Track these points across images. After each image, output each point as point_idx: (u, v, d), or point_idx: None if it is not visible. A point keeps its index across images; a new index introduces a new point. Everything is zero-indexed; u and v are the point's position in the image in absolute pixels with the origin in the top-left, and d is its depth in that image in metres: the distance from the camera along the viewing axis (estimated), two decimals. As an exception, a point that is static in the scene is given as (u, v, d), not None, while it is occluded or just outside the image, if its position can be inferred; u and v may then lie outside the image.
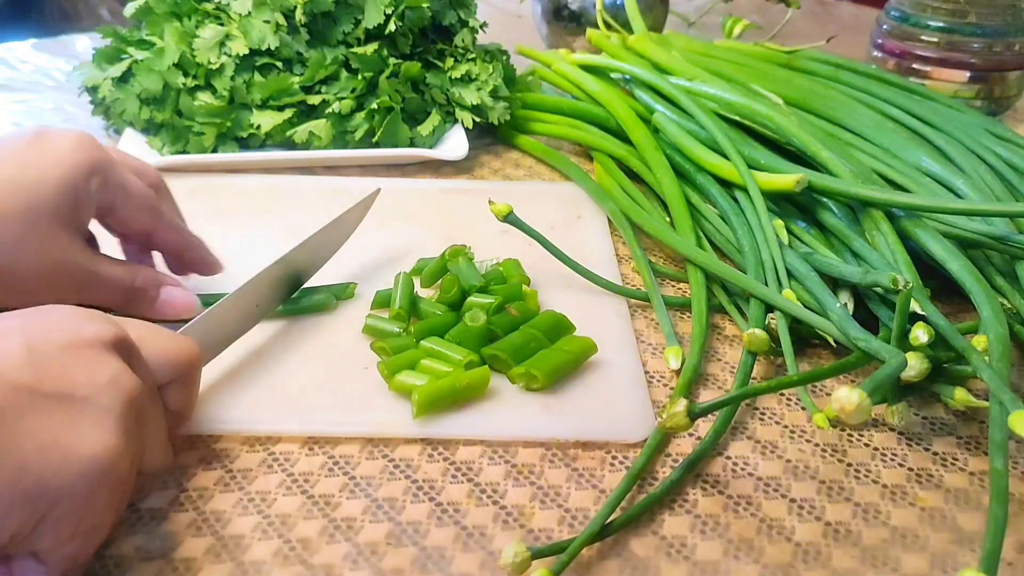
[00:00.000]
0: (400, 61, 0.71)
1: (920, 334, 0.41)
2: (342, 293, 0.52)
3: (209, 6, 0.72)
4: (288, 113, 0.70)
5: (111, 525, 0.33)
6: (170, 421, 0.38)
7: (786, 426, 0.44)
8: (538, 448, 0.42)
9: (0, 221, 0.40)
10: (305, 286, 0.51)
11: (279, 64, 0.71)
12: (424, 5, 0.72)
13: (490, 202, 0.52)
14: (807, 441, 0.43)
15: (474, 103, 0.73)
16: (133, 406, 0.33)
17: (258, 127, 0.69)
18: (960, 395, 0.43)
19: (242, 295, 0.45)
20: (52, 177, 0.42)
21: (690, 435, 0.43)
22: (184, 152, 0.69)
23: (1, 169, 0.41)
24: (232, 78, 0.69)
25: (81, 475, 0.30)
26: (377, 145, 0.70)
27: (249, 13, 0.71)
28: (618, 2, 0.89)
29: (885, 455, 0.42)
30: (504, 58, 0.80)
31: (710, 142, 0.62)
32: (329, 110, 0.69)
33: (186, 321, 0.42)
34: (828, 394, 0.47)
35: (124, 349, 0.34)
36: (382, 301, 0.51)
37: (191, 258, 0.50)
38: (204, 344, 0.41)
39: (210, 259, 0.50)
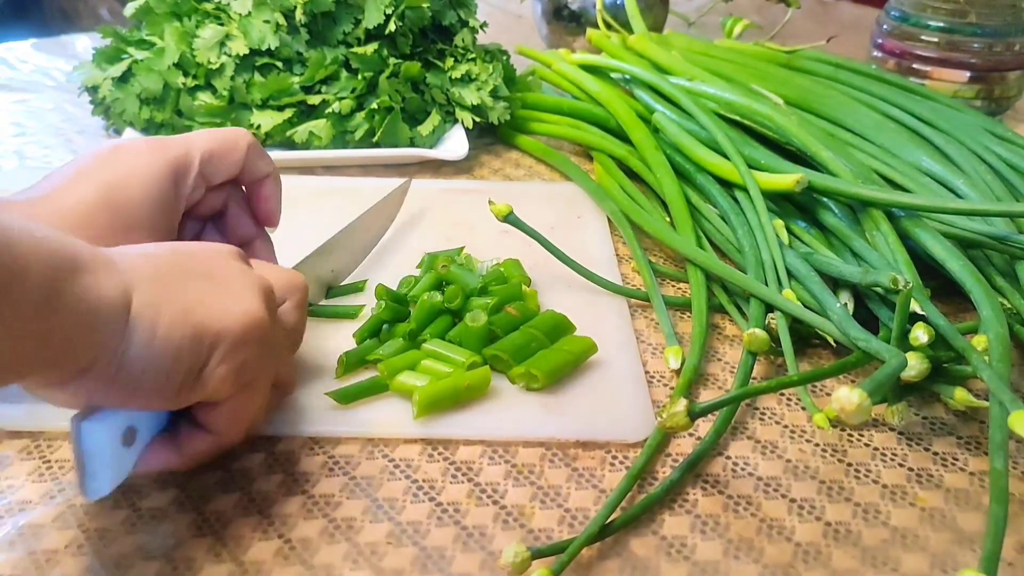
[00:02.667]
0: (400, 61, 0.71)
1: (920, 334, 0.41)
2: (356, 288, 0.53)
3: (209, 6, 0.72)
4: (288, 113, 0.70)
5: (263, 401, 0.38)
6: (288, 339, 0.42)
7: (786, 426, 0.44)
8: (538, 448, 0.42)
9: (98, 237, 0.40)
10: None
11: (279, 64, 0.71)
12: (424, 5, 0.72)
13: (490, 202, 0.52)
14: (807, 441, 0.43)
15: (474, 103, 0.73)
16: (269, 296, 0.38)
17: (258, 127, 0.69)
18: (960, 395, 0.43)
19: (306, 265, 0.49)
20: (136, 194, 0.42)
21: (690, 435, 0.43)
22: (184, 152, 0.69)
23: (86, 191, 0.41)
24: (232, 78, 0.69)
25: (235, 321, 0.35)
26: (377, 145, 0.70)
27: (249, 13, 0.71)
28: (618, 2, 0.89)
29: (885, 455, 0.42)
30: (504, 58, 0.80)
31: (710, 142, 0.62)
32: (329, 110, 0.69)
33: None
34: (828, 394, 0.47)
35: (246, 260, 0.39)
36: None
37: (268, 192, 0.49)
38: None
39: (277, 206, 0.50)
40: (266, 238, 0.50)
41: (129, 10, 0.73)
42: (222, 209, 0.49)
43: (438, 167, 0.72)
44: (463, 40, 0.76)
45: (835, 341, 0.46)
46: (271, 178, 0.49)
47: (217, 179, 0.46)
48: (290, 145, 0.70)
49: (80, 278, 0.30)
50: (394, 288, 0.52)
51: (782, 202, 0.57)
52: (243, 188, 0.49)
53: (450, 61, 0.74)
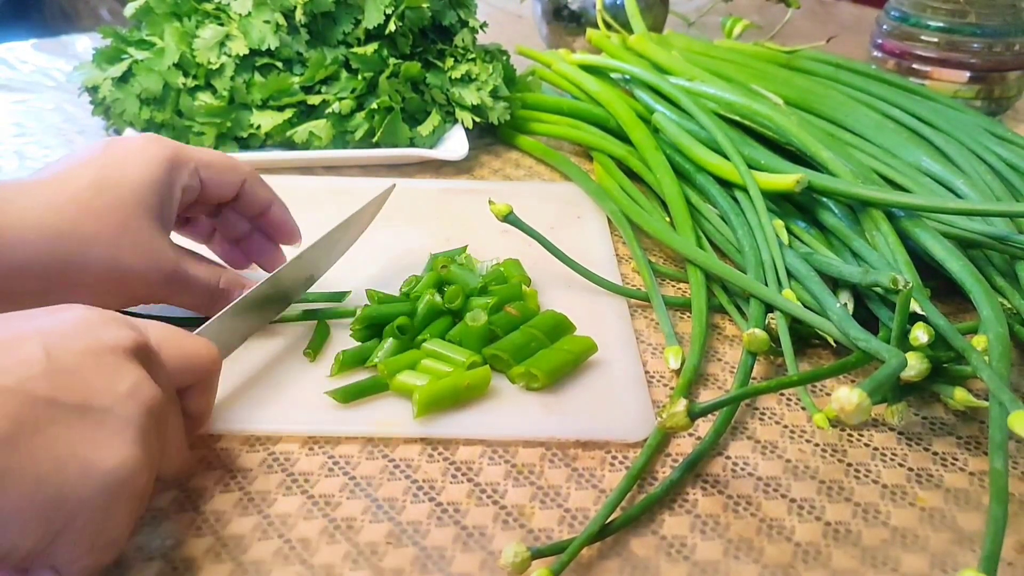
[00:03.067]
0: (400, 61, 0.71)
1: (920, 334, 0.41)
2: (338, 299, 0.52)
3: (209, 6, 0.72)
4: (288, 113, 0.70)
5: (128, 537, 0.32)
6: (188, 426, 0.38)
7: (786, 426, 0.44)
8: (538, 448, 0.42)
9: (97, 218, 0.41)
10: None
11: (279, 64, 0.71)
12: (424, 5, 0.72)
13: (490, 202, 0.52)
14: (807, 441, 0.43)
15: (474, 103, 0.73)
16: (153, 415, 0.32)
17: (258, 127, 0.69)
18: (960, 395, 0.43)
19: (258, 294, 0.45)
20: (132, 175, 0.42)
21: (690, 435, 0.43)
22: (184, 152, 0.69)
23: (82, 174, 0.42)
24: (232, 78, 0.69)
25: (100, 489, 0.30)
26: (377, 145, 0.70)
27: (249, 13, 0.71)
28: (618, 2, 0.89)
29: (885, 455, 0.42)
30: (504, 58, 0.80)
31: (710, 142, 0.62)
32: (329, 110, 0.69)
33: (199, 321, 0.42)
34: (828, 394, 0.47)
35: (144, 355, 0.34)
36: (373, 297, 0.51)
37: (278, 218, 0.50)
38: (219, 344, 0.41)
39: (292, 226, 0.50)
40: (280, 201, 0.49)
41: (129, 10, 0.73)
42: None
43: (438, 167, 0.72)
44: (463, 40, 0.76)
45: (835, 341, 0.46)
46: (275, 204, 0.49)
47: (213, 189, 0.46)
48: (290, 145, 0.70)
49: None
50: (395, 288, 0.52)
51: (782, 202, 0.57)
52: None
53: (450, 61, 0.74)
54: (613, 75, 0.76)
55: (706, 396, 0.46)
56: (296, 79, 0.70)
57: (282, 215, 0.50)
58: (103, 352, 0.32)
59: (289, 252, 0.52)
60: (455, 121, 0.74)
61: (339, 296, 0.51)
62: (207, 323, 0.42)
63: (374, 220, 0.54)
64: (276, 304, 0.48)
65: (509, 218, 0.53)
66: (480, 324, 0.46)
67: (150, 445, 0.32)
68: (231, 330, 0.44)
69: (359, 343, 0.48)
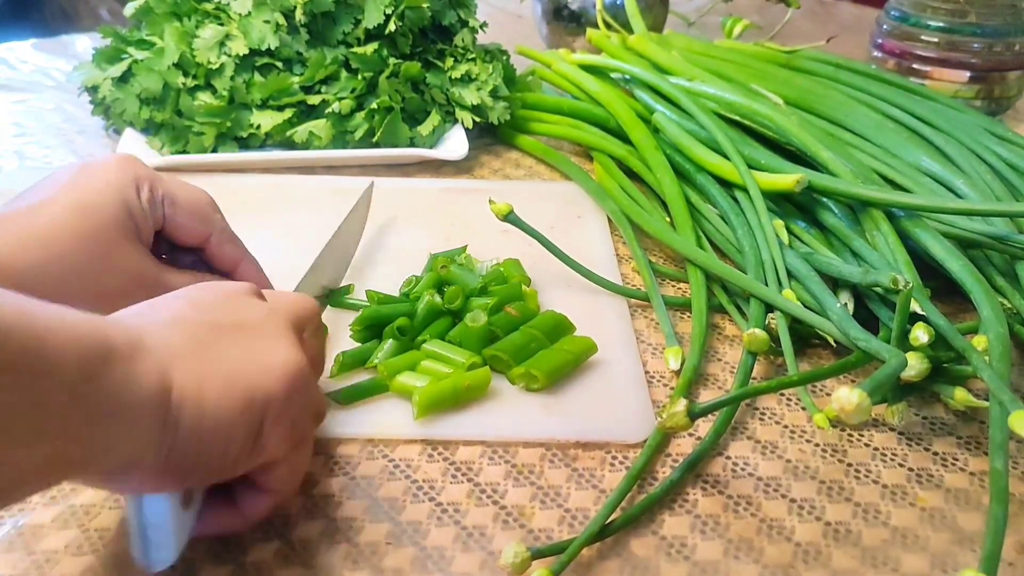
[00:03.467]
0: (400, 61, 0.71)
1: (920, 334, 0.41)
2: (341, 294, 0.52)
3: (209, 6, 0.72)
4: (288, 113, 0.70)
5: (311, 446, 0.38)
6: (312, 367, 0.40)
7: (786, 426, 0.44)
8: (538, 448, 0.42)
9: (80, 241, 0.42)
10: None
11: (279, 64, 0.71)
12: (424, 5, 0.72)
13: (490, 202, 0.52)
14: (807, 441, 0.43)
15: (474, 103, 0.73)
16: (294, 329, 0.37)
17: (258, 127, 0.69)
18: (960, 395, 0.43)
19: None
20: (108, 197, 0.43)
21: (690, 435, 0.43)
22: (184, 152, 0.69)
23: (62, 197, 0.42)
24: (232, 78, 0.69)
25: (280, 378, 0.33)
26: (377, 145, 0.70)
27: (249, 13, 0.71)
28: (618, 2, 0.89)
29: (885, 455, 0.42)
30: (504, 58, 0.80)
31: (710, 142, 0.62)
32: (329, 110, 0.69)
33: None
34: (828, 394, 0.47)
35: (261, 295, 0.38)
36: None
37: (245, 274, 0.49)
38: None
39: (263, 279, 0.49)
40: (251, 259, 0.49)
41: (129, 10, 0.73)
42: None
43: (438, 167, 0.72)
44: (463, 40, 0.76)
45: (835, 341, 0.46)
46: (244, 263, 0.48)
47: (175, 230, 0.46)
48: (290, 145, 0.70)
49: (113, 369, 0.28)
50: (396, 288, 0.52)
51: (782, 202, 0.57)
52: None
53: (450, 61, 0.74)
54: (613, 75, 0.76)
55: (706, 396, 0.46)
56: (296, 79, 0.70)
57: (254, 275, 0.49)
58: (233, 294, 0.37)
59: (297, 256, 0.51)
60: (455, 121, 0.74)
61: (347, 290, 0.52)
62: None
63: (376, 223, 0.55)
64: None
65: (509, 218, 0.53)
66: (480, 325, 0.46)
67: (302, 349, 0.36)
68: None
69: (359, 344, 0.48)
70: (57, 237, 0.41)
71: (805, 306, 0.48)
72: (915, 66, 0.83)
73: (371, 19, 0.71)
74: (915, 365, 0.40)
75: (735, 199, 0.58)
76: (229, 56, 0.70)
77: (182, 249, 0.47)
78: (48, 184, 0.43)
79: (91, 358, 0.27)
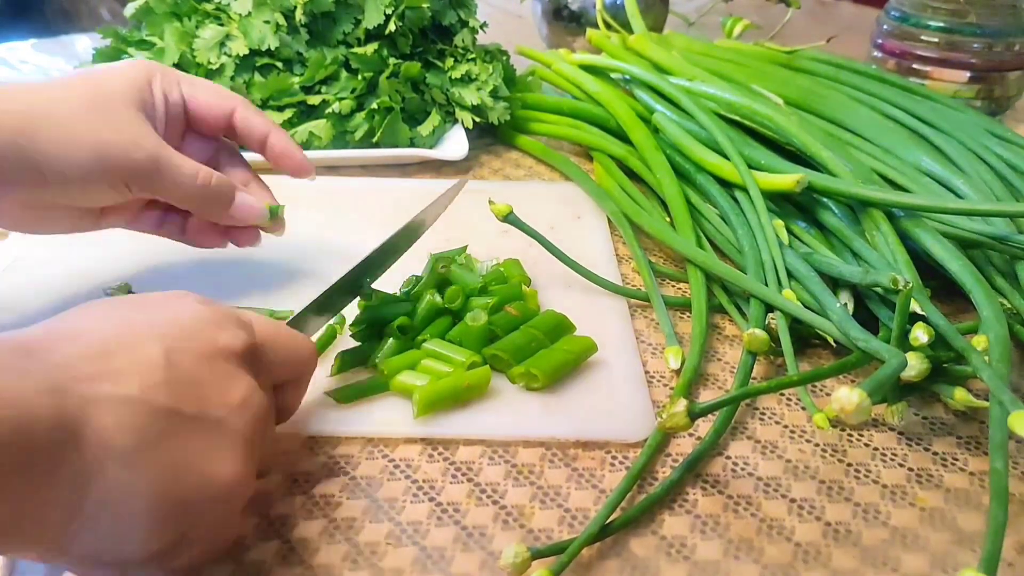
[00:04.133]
0: (400, 61, 0.71)
1: (920, 334, 0.41)
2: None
3: (209, 6, 0.72)
4: (288, 113, 0.70)
5: (231, 540, 0.35)
6: (277, 416, 0.39)
7: (786, 426, 0.44)
8: (538, 448, 0.42)
9: (77, 98, 0.42)
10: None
11: (279, 64, 0.71)
12: (424, 5, 0.72)
13: (490, 202, 0.52)
14: (807, 441, 0.43)
15: (474, 103, 0.73)
16: (260, 424, 0.33)
17: (258, 127, 0.69)
18: (960, 395, 0.43)
19: (339, 287, 0.45)
20: (116, 74, 0.44)
21: (690, 435, 0.43)
22: (184, 152, 0.69)
23: (78, 73, 0.44)
24: (232, 78, 0.69)
25: (218, 499, 0.31)
26: (377, 145, 0.70)
27: (249, 13, 0.71)
28: (618, 2, 0.89)
29: (885, 455, 0.42)
30: (504, 58, 0.80)
31: (710, 142, 0.62)
32: (329, 110, 0.69)
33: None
34: (828, 394, 0.47)
35: (252, 356, 0.34)
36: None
37: (279, 147, 0.49)
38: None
39: (298, 154, 0.50)
40: (279, 128, 0.50)
41: (129, 10, 0.73)
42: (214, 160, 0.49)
43: (438, 167, 0.72)
44: (463, 40, 0.76)
45: (835, 341, 0.46)
46: (274, 132, 0.49)
47: (197, 110, 0.47)
48: (290, 145, 0.70)
49: (37, 461, 0.26)
50: (397, 288, 0.52)
51: (782, 202, 0.57)
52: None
53: (450, 61, 0.74)
54: (613, 75, 0.76)
55: (706, 396, 0.46)
56: (296, 79, 0.70)
57: (284, 144, 0.49)
58: (217, 357, 0.32)
59: (297, 257, 0.51)
60: (455, 121, 0.74)
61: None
62: (296, 315, 0.43)
63: (375, 223, 0.54)
64: (348, 296, 0.47)
65: (509, 218, 0.53)
66: (480, 324, 0.46)
67: (255, 453, 0.33)
68: (315, 323, 0.45)
69: (359, 343, 0.48)
70: (57, 90, 0.42)
71: (805, 306, 0.48)
72: (915, 66, 0.83)
73: (371, 19, 0.71)
74: (915, 365, 0.40)
75: (735, 199, 0.58)
76: (229, 56, 0.70)
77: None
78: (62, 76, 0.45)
79: (12, 445, 0.25)
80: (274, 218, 0.50)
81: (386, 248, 0.48)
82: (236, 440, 0.32)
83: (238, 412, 0.32)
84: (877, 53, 0.87)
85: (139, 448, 0.28)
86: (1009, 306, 0.48)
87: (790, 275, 0.51)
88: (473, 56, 0.75)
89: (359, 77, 0.70)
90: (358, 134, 0.70)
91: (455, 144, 0.71)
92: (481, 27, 0.78)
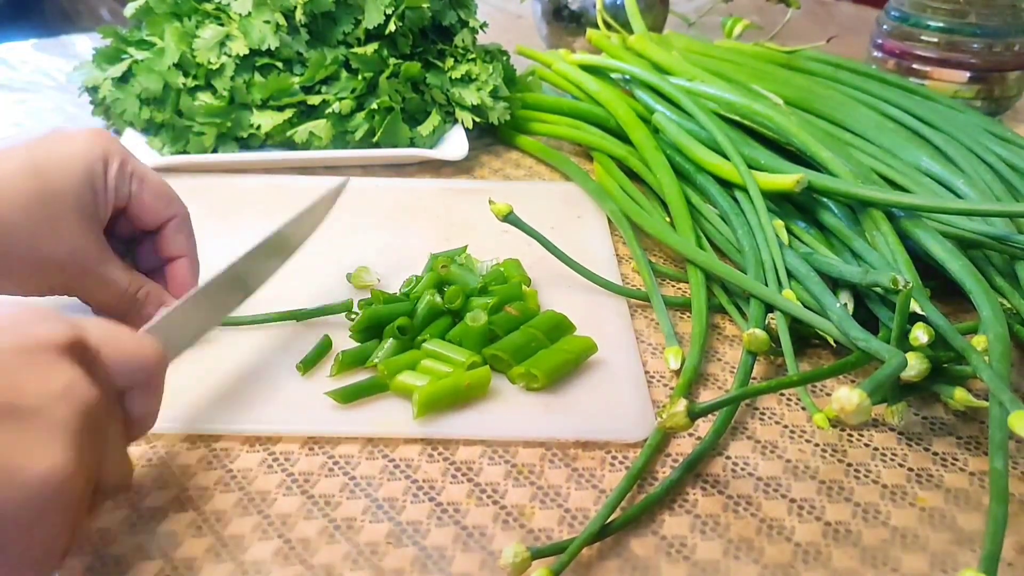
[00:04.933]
0: (400, 61, 0.71)
1: (920, 334, 0.41)
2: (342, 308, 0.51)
3: (209, 6, 0.72)
4: (288, 113, 0.70)
5: (64, 551, 0.30)
6: (130, 430, 0.35)
7: (786, 426, 0.44)
8: (538, 448, 0.42)
9: (27, 202, 0.40)
10: (323, 305, 0.50)
11: (279, 64, 0.71)
12: (424, 5, 0.72)
13: (490, 202, 0.52)
14: (807, 441, 0.43)
15: (474, 103, 0.73)
16: (89, 417, 0.30)
17: (258, 127, 0.69)
18: (960, 395, 0.43)
19: (205, 293, 0.42)
20: (73, 165, 0.42)
21: (690, 435, 0.43)
22: (184, 152, 0.69)
23: (24, 159, 0.41)
24: (232, 78, 0.69)
25: (29, 497, 0.27)
26: (377, 145, 0.70)
27: (249, 13, 0.71)
28: (618, 2, 0.89)
29: (885, 455, 0.42)
30: (504, 58, 0.80)
31: (710, 142, 0.62)
32: (329, 110, 0.69)
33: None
34: (828, 394, 0.47)
35: (81, 352, 0.31)
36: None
37: (181, 276, 0.48)
38: (167, 343, 0.38)
39: (193, 281, 0.48)
40: (195, 258, 0.48)
41: (129, 10, 0.73)
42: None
43: (438, 167, 0.72)
44: (463, 40, 0.76)
45: (835, 341, 0.46)
46: (188, 259, 0.48)
47: (140, 208, 0.45)
48: (290, 145, 0.70)
49: None
50: (397, 288, 0.52)
51: (782, 202, 0.57)
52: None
53: (450, 61, 0.74)
54: (613, 75, 0.76)
55: (706, 396, 0.46)
56: (296, 79, 0.70)
57: (186, 276, 0.47)
58: (35, 349, 0.29)
59: (300, 267, 0.50)
60: (455, 121, 0.74)
61: (347, 306, 0.51)
62: (154, 320, 0.39)
63: (376, 223, 0.54)
64: (230, 299, 0.45)
65: (509, 218, 0.53)
66: (480, 324, 0.46)
67: (84, 450, 0.29)
68: (181, 327, 0.41)
69: (359, 343, 0.48)
70: (3, 194, 0.40)
71: (805, 306, 0.48)
72: (915, 66, 0.83)
73: (371, 19, 0.71)
74: (915, 365, 0.40)
75: (735, 199, 0.58)
76: (229, 56, 0.70)
77: (125, 241, 0.47)
78: (14, 140, 0.42)
79: None
80: None
81: (246, 267, 0.45)
82: (55, 432, 0.28)
83: (58, 402, 0.29)
84: (877, 53, 0.87)
85: None
86: (1009, 306, 0.48)
87: (790, 275, 0.51)
88: (473, 56, 0.75)
89: (359, 77, 0.70)
90: (358, 134, 0.70)
91: (455, 144, 0.71)
92: (481, 27, 0.78)
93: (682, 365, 0.47)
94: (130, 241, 0.48)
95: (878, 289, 0.47)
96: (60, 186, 0.41)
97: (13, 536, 0.27)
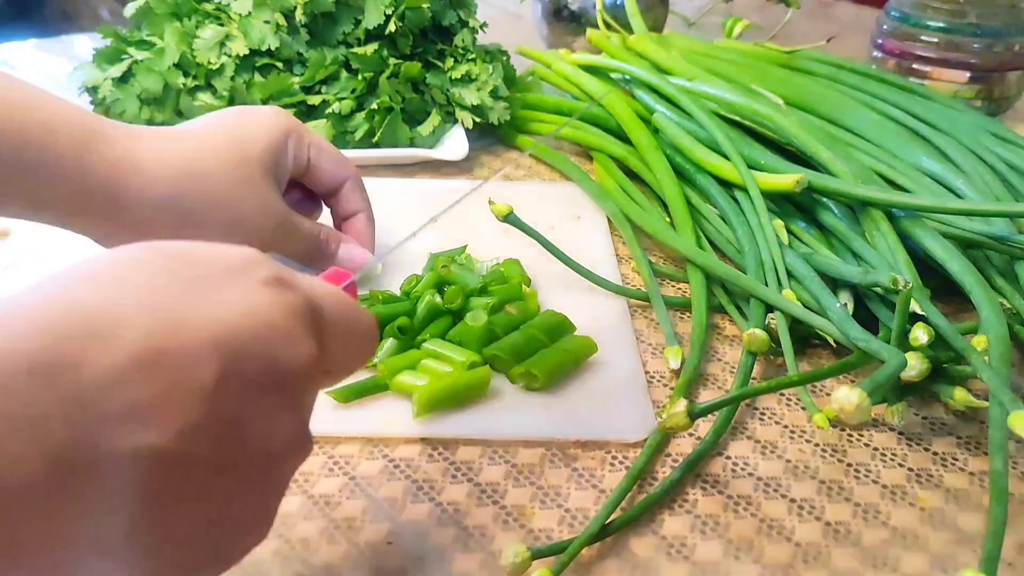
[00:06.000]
0: (400, 61, 0.71)
1: (920, 334, 0.41)
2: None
3: (209, 6, 0.72)
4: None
5: (275, 511, 0.28)
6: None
7: (786, 426, 0.44)
8: (538, 448, 0.42)
9: (227, 169, 0.46)
10: None
11: (279, 64, 0.71)
12: (424, 5, 0.72)
13: (490, 202, 0.52)
14: (807, 441, 0.43)
15: (474, 103, 0.73)
16: (298, 465, 0.28)
17: (258, 127, 0.69)
18: (960, 395, 0.43)
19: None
20: (259, 136, 0.48)
21: (690, 435, 0.43)
22: (184, 152, 0.69)
23: (217, 131, 0.47)
24: (232, 78, 0.69)
25: (244, 551, 0.26)
26: (377, 145, 0.70)
27: (249, 13, 0.71)
28: (618, 2, 0.89)
29: (885, 455, 0.42)
30: (504, 58, 0.80)
31: (710, 142, 0.62)
32: (329, 110, 0.69)
33: None
34: (828, 394, 0.47)
35: (315, 323, 0.27)
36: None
37: (360, 228, 0.54)
38: None
39: (369, 245, 0.53)
40: (371, 214, 0.54)
41: (129, 10, 0.73)
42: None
43: (438, 167, 0.72)
44: (463, 40, 0.76)
45: (835, 341, 0.46)
46: (364, 214, 0.54)
47: (318, 172, 0.51)
48: (290, 145, 0.70)
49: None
50: (395, 288, 0.52)
51: (782, 202, 0.57)
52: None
53: (450, 61, 0.74)
54: (613, 75, 0.76)
55: (706, 396, 0.46)
56: (296, 79, 0.70)
57: (365, 229, 0.54)
58: (270, 385, 0.25)
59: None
60: (455, 121, 0.74)
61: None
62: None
63: (376, 223, 0.55)
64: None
65: (509, 218, 0.53)
66: (480, 324, 0.46)
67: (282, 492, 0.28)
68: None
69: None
70: (212, 157, 0.46)
71: (805, 306, 0.48)
72: (915, 66, 0.83)
73: (371, 19, 0.71)
74: (915, 365, 0.40)
75: (735, 199, 0.58)
76: (229, 56, 0.70)
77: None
78: (212, 118, 0.48)
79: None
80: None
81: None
82: (269, 495, 0.26)
83: (278, 461, 0.26)
84: (877, 53, 0.87)
85: (147, 506, 0.22)
86: (1009, 306, 0.48)
87: (790, 275, 0.51)
88: (473, 56, 0.75)
89: (359, 77, 0.70)
90: (358, 134, 0.70)
91: (455, 144, 0.71)
92: (481, 27, 0.78)
93: (682, 365, 0.47)
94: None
95: (878, 289, 0.47)
96: (253, 154, 0.47)
97: (232, 377, 0.24)
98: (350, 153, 0.70)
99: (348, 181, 0.53)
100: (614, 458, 0.41)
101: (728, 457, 0.42)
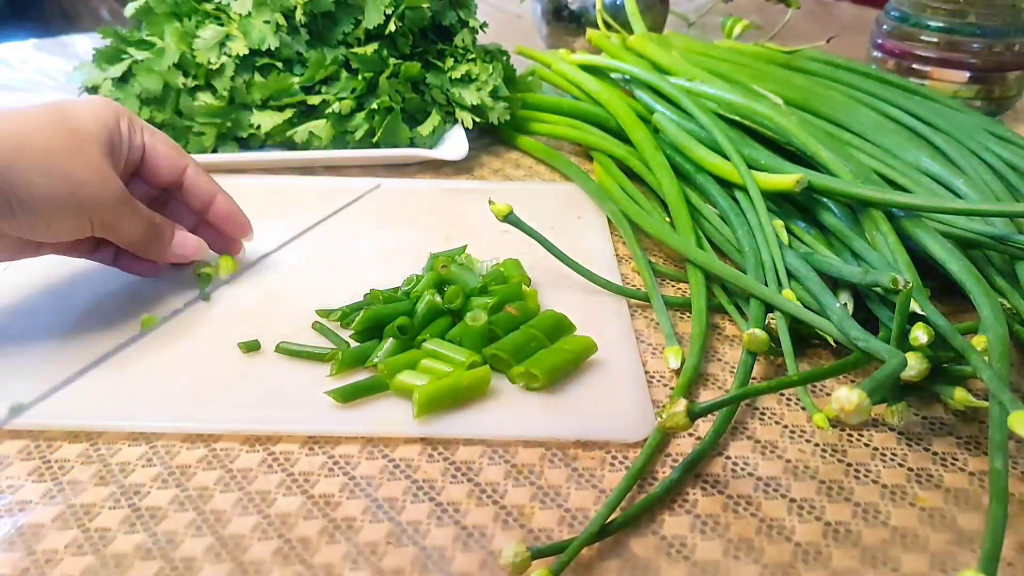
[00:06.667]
0: (400, 61, 0.71)
1: (920, 334, 0.41)
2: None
3: (209, 6, 0.72)
4: (288, 113, 0.70)
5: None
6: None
7: (786, 426, 0.44)
8: (538, 448, 0.42)
9: (52, 134, 0.44)
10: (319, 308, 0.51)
11: (279, 64, 0.71)
12: (424, 5, 0.72)
13: (490, 202, 0.52)
14: (807, 441, 0.43)
15: (474, 103, 0.73)
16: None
17: (258, 127, 0.69)
18: (960, 395, 0.43)
19: None
20: (87, 115, 0.46)
21: (690, 435, 0.43)
22: (184, 152, 0.69)
23: (40, 110, 0.45)
24: (232, 78, 0.69)
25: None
26: (377, 145, 0.70)
27: (249, 13, 0.71)
28: (618, 2, 0.89)
29: (885, 455, 0.42)
30: (504, 58, 0.80)
31: (710, 142, 0.62)
32: (329, 110, 0.69)
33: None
34: (828, 394, 0.47)
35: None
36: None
37: (223, 209, 0.52)
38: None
39: (242, 217, 0.53)
40: (225, 192, 0.53)
41: (129, 10, 0.73)
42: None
43: (438, 167, 0.72)
44: (463, 40, 0.76)
45: (835, 341, 0.46)
46: (220, 195, 0.52)
47: (155, 161, 0.49)
48: (290, 145, 0.70)
49: None
50: (397, 287, 0.52)
51: (782, 202, 0.57)
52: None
53: (450, 61, 0.74)
54: (613, 75, 0.76)
55: (706, 396, 0.46)
56: (296, 79, 0.70)
57: (228, 206, 0.52)
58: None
59: (297, 257, 0.52)
60: (455, 121, 0.74)
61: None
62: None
63: (376, 223, 0.55)
64: None
65: (509, 218, 0.53)
66: (480, 324, 0.46)
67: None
68: None
69: (359, 343, 0.48)
70: (32, 125, 0.43)
71: (805, 306, 0.48)
72: (915, 66, 0.83)
73: (371, 19, 0.71)
74: (915, 365, 0.40)
75: (735, 199, 0.58)
76: (229, 56, 0.70)
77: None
78: (25, 106, 0.46)
79: None
80: (204, 282, 0.53)
81: None
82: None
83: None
84: (877, 53, 0.87)
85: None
86: (1009, 306, 0.48)
87: (790, 275, 0.51)
88: (473, 56, 0.75)
89: (359, 77, 0.70)
90: (358, 134, 0.70)
91: (455, 144, 0.71)
92: (481, 27, 0.78)
93: (682, 365, 0.47)
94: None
95: (878, 289, 0.47)
96: (82, 127, 0.45)
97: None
98: (350, 153, 0.70)
99: (188, 167, 0.51)
100: (614, 458, 0.41)
101: (728, 457, 0.42)
